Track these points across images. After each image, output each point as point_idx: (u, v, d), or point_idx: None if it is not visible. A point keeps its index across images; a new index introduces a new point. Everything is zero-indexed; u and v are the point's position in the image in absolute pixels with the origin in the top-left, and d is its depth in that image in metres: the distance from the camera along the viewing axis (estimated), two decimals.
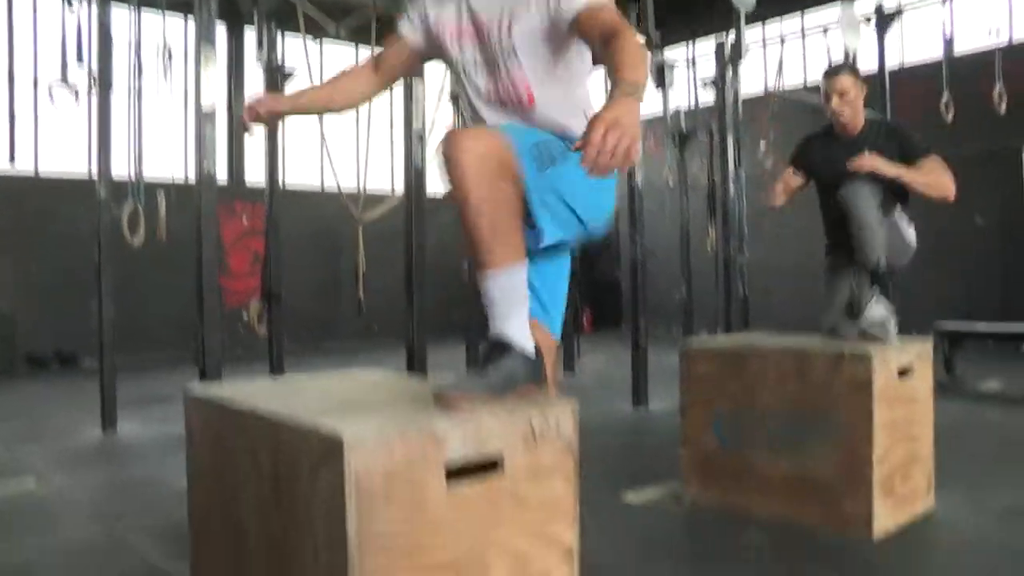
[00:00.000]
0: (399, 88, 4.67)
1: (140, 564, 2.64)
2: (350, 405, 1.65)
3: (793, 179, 3.49)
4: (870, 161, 3.08)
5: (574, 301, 7.07)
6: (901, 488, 2.77)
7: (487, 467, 1.50)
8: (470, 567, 1.47)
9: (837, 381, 2.71)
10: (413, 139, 4.22)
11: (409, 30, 2.07)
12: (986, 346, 7.86)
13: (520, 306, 1.68)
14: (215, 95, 3.64)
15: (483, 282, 1.67)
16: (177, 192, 7.33)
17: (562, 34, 1.84)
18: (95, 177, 5.20)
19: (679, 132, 9.38)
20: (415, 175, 4.22)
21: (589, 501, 2.59)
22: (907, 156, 3.16)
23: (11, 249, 9.30)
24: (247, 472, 1.65)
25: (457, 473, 1.46)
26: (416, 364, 4.53)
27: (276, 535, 1.57)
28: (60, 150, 9.65)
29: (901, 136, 3.24)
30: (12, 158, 9.21)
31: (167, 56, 5.21)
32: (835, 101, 3.20)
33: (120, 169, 5.93)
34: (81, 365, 9.17)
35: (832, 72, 3.26)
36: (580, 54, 1.93)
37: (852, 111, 3.21)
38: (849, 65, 3.36)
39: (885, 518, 2.67)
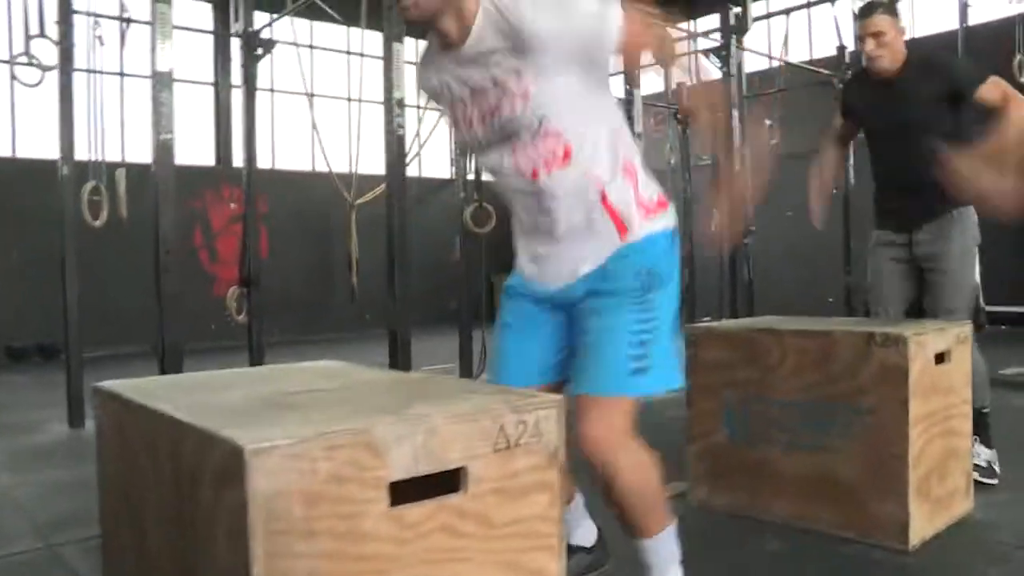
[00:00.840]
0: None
1: None
2: (278, 404, 1.32)
3: (824, 172, 3.19)
4: (954, 176, 2.61)
5: None
6: (938, 490, 2.43)
7: (445, 484, 1.18)
8: None
9: (865, 367, 2.38)
10: (393, 106, 3.88)
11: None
12: (998, 330, 7.53)
13: (676, 564, 1.82)
14: (170, 58, 3.31)
15: (641, 551, 1.78)
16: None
17: (592, 64, 1.65)
18: (59, 157, 4.87)
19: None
20: (396, 143, 3.88)
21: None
22: (959, 88, 2.81)
23: None
24: (150, 481, 1.33)
25: (405, 493, 1.13)
26: (400, 353, 4.21)
27: (180, 558, 1.24)
28: (41, 132, 9.28)
29: (944, 69, 2.88)
30: None
31: (125, 24, 4.86)
32: (870, 44, 2.85)
33: (99, 151, 5.62)
34: (62, 358, 8.83)
35: (866, 11, 2.90)
36: (602, 80, 1.73)
37: (890, 54, 2.85)
38: (885, 3, 2.97)
39: (922, 524, 2.34)
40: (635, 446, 1.69)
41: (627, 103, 5.44)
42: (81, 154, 5.12)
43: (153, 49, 3.35)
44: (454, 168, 7.25)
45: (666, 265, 1.74)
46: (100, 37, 4.95)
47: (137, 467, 1.39)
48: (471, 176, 6.01)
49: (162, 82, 3.25)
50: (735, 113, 6.63)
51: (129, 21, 4.85)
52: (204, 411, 1.23)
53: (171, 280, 3.34)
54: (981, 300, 2.95)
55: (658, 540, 1.76)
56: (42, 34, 5.30)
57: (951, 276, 2.93)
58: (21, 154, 9.40)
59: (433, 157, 12.04)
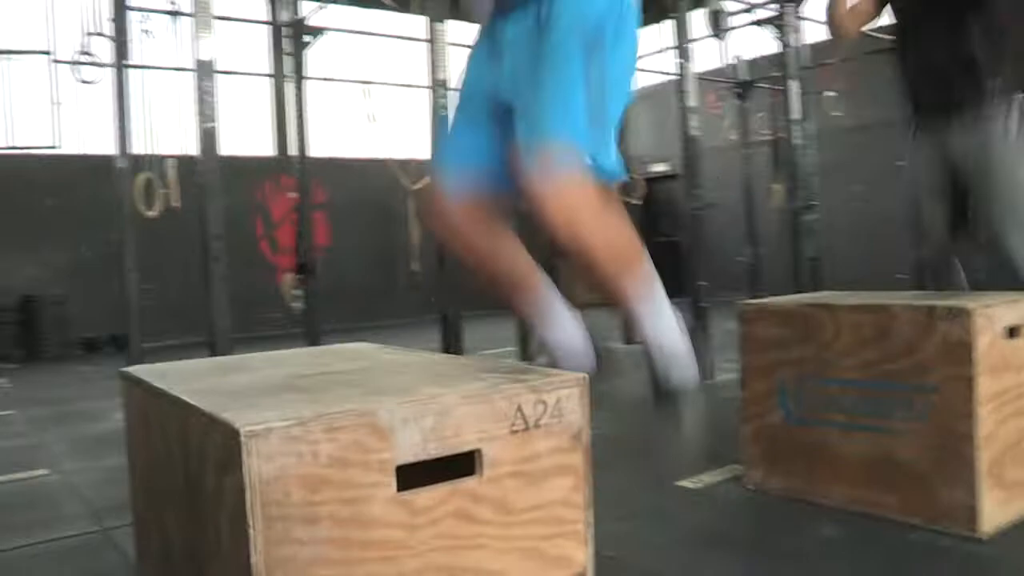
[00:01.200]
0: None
1: (121, 565, 2.36)
2: (288, 386, 1.28)
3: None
4: None
5: None
6: (1015, 474, 2.28)
7: (458, 467, 1.12)
8: None
9: (927, 343, 2.24)
10: (438, 87, 3.83)
11: None
12: None
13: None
14: (212, 47, 3.31)
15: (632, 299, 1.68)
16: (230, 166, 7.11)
17: None
18: (116, 151, 4.97)
19: (740, 82, 8.77)
20: (442, 125, 3.83)
21: (637, 488, 2.19)
22: None
23: (65, 231, 9.25)
24: (164, 465, 1.31)
25: (414, 477, 1.08)
26: (451, 336, 4.18)
27: (190, 544, 1.22)
28: (92, 127, 9.49)
29: None
30: (57, 141, 9.10)
31: (175, 18, 4.93)
32: None
33: (151, 144, 5.73)
34: None
35: None
36: None
37: None
38: None
39: (995, 511, 2.19)
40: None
41: (680, 78, 5.28)
42: (138, 149, 5.22)
43: (195, 38, 3.36)
44: None
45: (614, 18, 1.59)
46: (148, 31, 5.03)
47: (155, 450, 1.37)
48: None
49: (204, 71, 3.26)
50: (794, 86, 6.42)
51: (177, 15, 4.91)
52: (212, 394, 1.20)
53: (220, 268, 3.35)
54: None
55: (643, 301, 1.69)
56: (99, 32, 5.43)
57: (997, 180, 2.50)
58: (92, 151, 9.65)
59: None
